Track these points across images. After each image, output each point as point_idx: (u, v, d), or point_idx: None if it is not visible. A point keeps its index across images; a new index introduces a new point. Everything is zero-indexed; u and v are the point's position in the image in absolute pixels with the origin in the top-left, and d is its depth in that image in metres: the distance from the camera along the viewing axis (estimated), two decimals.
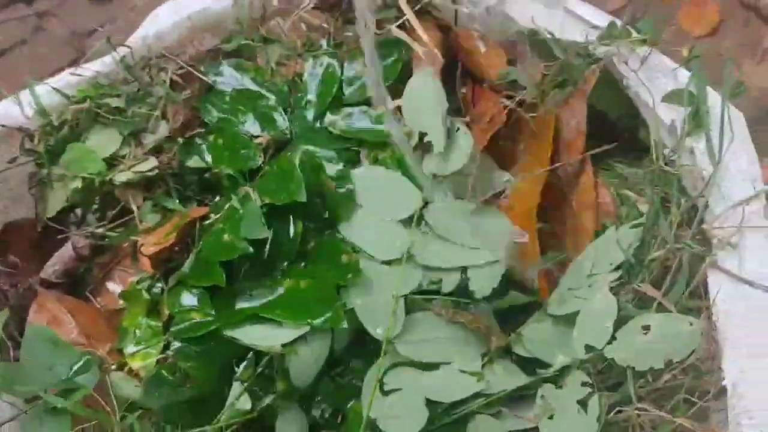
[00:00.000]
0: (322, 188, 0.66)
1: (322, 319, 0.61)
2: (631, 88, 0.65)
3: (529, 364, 0.62)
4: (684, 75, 0.61)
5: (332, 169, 0.70)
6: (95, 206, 0.73)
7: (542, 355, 0.61)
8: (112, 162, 0.71)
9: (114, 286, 0.73)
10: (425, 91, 0.68)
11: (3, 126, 0.68)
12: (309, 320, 0.61)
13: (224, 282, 0.64)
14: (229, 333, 0.63)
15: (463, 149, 0.66)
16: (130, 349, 0.65)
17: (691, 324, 0.52)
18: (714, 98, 0.58)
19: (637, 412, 0.52)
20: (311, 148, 0.71)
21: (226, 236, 0.66)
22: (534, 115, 0.69)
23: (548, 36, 0.68)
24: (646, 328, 0.54)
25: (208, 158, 0.73)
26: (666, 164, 0.59)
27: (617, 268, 0.62)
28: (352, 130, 0.72)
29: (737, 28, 1.16)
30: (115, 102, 0.71)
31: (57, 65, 1.25)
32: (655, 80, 0.63)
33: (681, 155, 0.58)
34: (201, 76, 0.75)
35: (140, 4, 1.32)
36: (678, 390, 0.53)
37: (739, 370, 0.47)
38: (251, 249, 0.63)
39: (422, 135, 0.67)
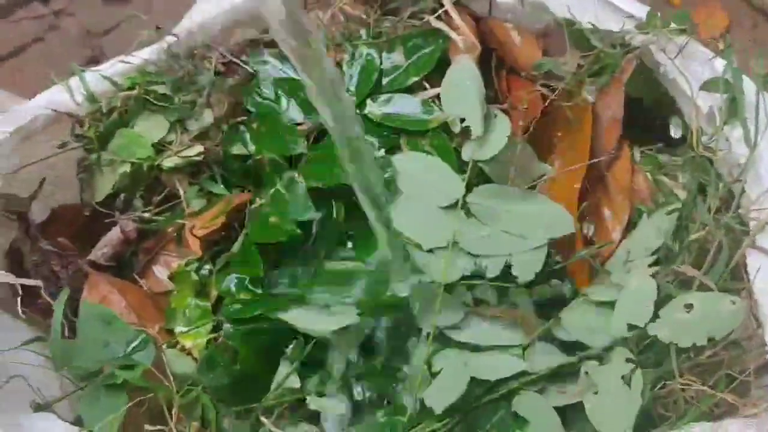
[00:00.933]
0: None
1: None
2: (668, 76, 0.66)
3: (571, 348, 0.64)
4: (720, 64, 0.62)
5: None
6: (141, 191, 0.74)
7: (584, 338, 0.63)
8: (159, 148, 0.73)
9: (159, 270, 0.75)
10: (464, 77, 0.69)
11: (53, 111, 0.70)
12: (346, 317, 0.63)
13: (262, 273, 0.66)
14: (276, 315, 0.64)
15: (501, 134, 0.68)
16: (180, 328, 0.67)
17: (733, 302, 0.54)
18: (749, 87, 0.60)
19: (680, 386, 0.54)
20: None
21: (273, 219, 0.68)
22: (570, 104, 0.70)
23: (586, 26, 0.69)
24: (689, 306, 0.56)
25: (251, 145, 0.75)
26: (704, 151, 0.61)
27: (654, 253, 0.64)
28: (392, 117, 0.74)
29: (746, 30, 1.18)
30: (162, 89, 0.72)
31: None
32: (691, 68, 0.64)
33: (718, 142, 0.59)
34: (243, 65, 0.77)
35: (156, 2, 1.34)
36: (719, 366, 0.55)
37: None
38: (299, 230, 0.65)
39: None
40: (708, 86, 0.62)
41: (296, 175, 0.70)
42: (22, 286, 0.65)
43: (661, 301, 0.58)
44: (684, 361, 0.56)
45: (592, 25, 0.69)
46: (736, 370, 0.54)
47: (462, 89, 0.70)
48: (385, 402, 0.66)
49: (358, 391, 0.66)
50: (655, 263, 0.63)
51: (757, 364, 0.54)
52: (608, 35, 0.68)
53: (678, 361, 0.55)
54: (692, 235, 0.58)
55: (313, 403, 0.64)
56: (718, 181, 0.60)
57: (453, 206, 0.67)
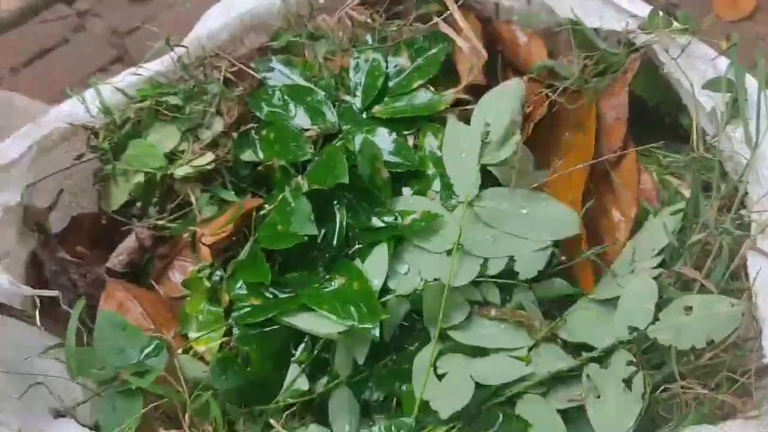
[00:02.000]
0: (375, 177, 0.69)
1: (362, 325, 0.64)
2: (671, 75, 0.66)
3: (575, 348, 0.65)
4: (723, 63, 0.62)
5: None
6: (156, 199, 0.76)
7: (588, 339, 0.63)
8: (171, 157, 0.75)
9: (175, 275, 0.77)
10: (508, 96, 0.70)
11: (69, 124, 0.72)
12: (351, 323, 0.64)
13: (269, 280, 0.67)
14: (285, 319, 0.66)
15: (513, 139, 0.68)
16: (193, 333, 0.69)
17: (732, 304, 0.54)
18: (752, 85, 0.60)
19: (682, 390, 0.54)
20: (366, 135, 0.74)
21: (279, 227, 0.69)
22: (574, 106, 0.71)
23: (590, 27, 0.69)
24: (688, 308, 0.56)
25: (261, 152, 0.77)
26: (707, 150, 0.61)
27: (659, 253, 0.64)
28: (400, 107, 0.75)
29: None
30: (173, 100, 0.74)
31: (98, 64, 1.30)
32: (694, 68, 0.64)
33: (721, 141, 0.59)
34: (252, 72, 0.79)
35: (180, 1, 1.36)
36: (720, 368, 0.55)
37: None
38: (306, 237, 0.66)
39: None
40: (710, 85, 0.62)
41: (302, 181, 0.72)
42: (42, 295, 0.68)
43: (662, 303, 0.58)
44: (685, 364, 0.56)
45: (596, 26, 0.69)
46: (737, 371, 0.54)
47: (502, 102, 0.71)
48: (393, 402, 0.67)
49: (365, 392, 0.68)
50: (660, 264, 0.63)
51: (757, 365, 0.54)
52: (612, 35, 0.68)
53: (679, 364, 0.55)
54: (694, 236, 0.58)
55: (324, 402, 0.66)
56: (721, 181, 0.60)
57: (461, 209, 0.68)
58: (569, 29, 0.70)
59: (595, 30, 0.69)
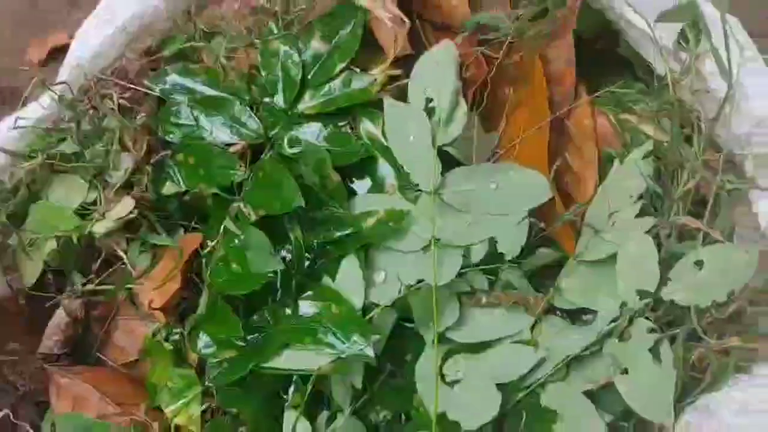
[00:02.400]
0: (326, 183, 0.62)
1: (353, 350, 0.59)
2: (615, 10, 0.62)
3: (575, 313, 0.62)
4: None
5: None
6: (76, 263, 0.66)
7: (585, 303, 0.61)
8: (83, 212, 0.64)
9: (121, 338, 0.68)
10: (441, 60, 0.64)
11: None
12: (340, 350, 0.59)
13: (242, 332, 0.60)
14: (267, 365, 0.59)
15: (459, 111, 0.63)
16: (168, 406, 0.61)
17: (746, 251, 0.52)
18: (711, 13, 0.56)
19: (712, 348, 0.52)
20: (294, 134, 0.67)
21: (234, 266, 0.61)
22: (517, 58, 0.65)
23: None
24: (699, 263, 0.54)
25: (183, 181, 0.67)
26: (673, 90, 0.57)
27: (639, 198, 0.61)
28: (330, 99, 0.67)
29: None
30: (68, 147, 0.63)
31: None
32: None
33: (691, 79, 0.56)
34: (148, 91, 0.68)
35: None
36: (742, 316, 0.53)
37: None
38: (271, 275, 0.59)
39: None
40: (665, 17, 0.57)
41: (242, 206, 0.64)
42: None
43: (663, 260, 0.56)
44: (705, 319, 0.54)
45: None
46: (759, 316, 0.53)
47: (437, 71, 0.64)
48: (403, 419, 0.63)
49: (371, 415, 0.63)
50: (641, 212, 0.61)
51: None
52: None
53: (700, 321, 0.53)
54: (686, 183, 0.55)
55: None
56: (699, 122, 0.56)
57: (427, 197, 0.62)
58: None
59: None
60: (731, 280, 0.52)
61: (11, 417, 0.57)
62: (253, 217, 0.62)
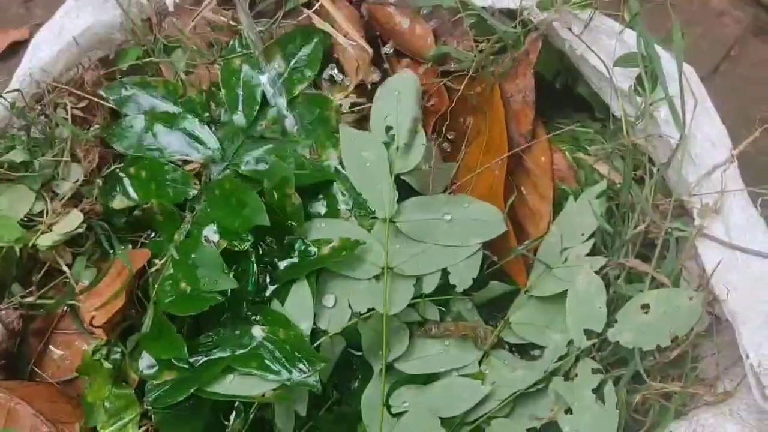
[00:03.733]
0: (286, 204, 0.61)
1: (299, 377, 0.57)
2: (574, 53, 0.63)
3: (524, 348, 0.62)
4: (631, 36, 0.59)
5: None
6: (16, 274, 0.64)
7: (534, 338, 0.61)
8: (28, 223, 0.62)
9: (58, 352, 0.66)
10: (402, 88, 0.64)
11: None
12: (285, 377, 0.58)
13: (186, 354, 0.58)
14: (209, 389, 0.58)
15: (418, 141, 0.63)
16: (104, 427, 0.60)
17: (690, 297, 0.53)
18: (668, 61, 0.57)
19: (654, 391, 0.53)
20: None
21: (183, 284, 0.60)
22: (477, 92, 0.66)
23: (481, 5, 0.64)
24: (645, 306, 0.54)
25: (134, 194, 0.66)
26: (627, 134, 0.58)
27: (589, 237, 0.62)
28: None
29: None
30: (17, 156, 0.61)
31: None
32: (599, 43, 0.61)
33: (646, 123, 0.57)
34: (103, 102, 0.67)
35: None
36: (684, 360, 0.54)
37: (757, 344, 0.48)
38: (221, 298, 0.58)
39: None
40: (622, 62, 0.59)
41: (195, 226, 0.62)
42: None
43: (613, 300, 0.56)
44: (649, 362, 0.54)
45: (488, 4, 0.63)
46: (699, 360, 0.54)
47: (398, 99, 0.65)
48: None
49: None
50: (592, 251, 0.61)
51: (723, 353, 0.53)
52: (507, 15, 0.63)
53: (643, 363, 0.54)
54: (635, 226, 0.56)
55: None
56: (651, 166, 0.57)
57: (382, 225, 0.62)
58: (461, 11, 0.64)
59: (490, 10, 0.63)
60: (676, 324, 0.53)
61: None
62: (206, 233, 0.60)
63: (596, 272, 0.58)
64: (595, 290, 0.57)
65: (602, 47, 0.60)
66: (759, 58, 1.00)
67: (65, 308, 0.66)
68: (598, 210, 0.62)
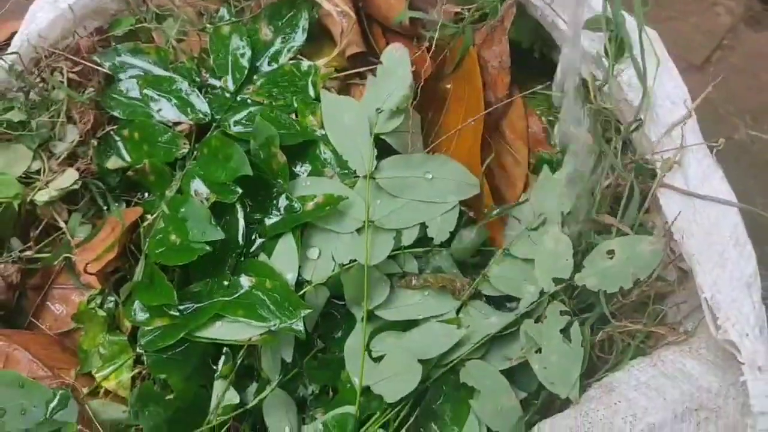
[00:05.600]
0: (272, 162, 0.64)
1: (284, 323, 0.60)
2: (545, 20, 0.66)
3: (501, 303, 0.65)
4: (599, 2, 0.62)
5: None
6: (14, 230, 0.67)
7: (509, 290, 0.64)
8: (26, 180, 0.65)
9: (56, 307, 0.69)
10: (395, 63, 0.67)
11: None
12: (272, 323, 0.60)
13: (176, 300, 0.61)
14: (199, 334, 0.61)
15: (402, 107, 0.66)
16: (99, 372, 0.62)
17: (651, 243, 0.56)
18: (630, 23, 0.60)
19: (617, 330, 0.56)
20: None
21: (173, 237, 0.63)
22: (455, 57, 0.69)
23: None
24: (611, 252, 0.57)
25: (127, 156, 0.69)
26: (595, 97, 0.61)
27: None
28: (279, 87, 0.70)
29: None
30: (15, 116, 0.64)
31: None
32: (568, 9, 0.64)
33: (611, 86, 0.60)
34: (98, 67, 0.70)
35: None
36: (647, 301, 0.57)
37: (712, 282, 0.51)
38: (209, 248, 0.61)
39: None
40: (589, 24, 0.62)
41: (185, 182, 0.65)
42: None
43: (584, 250, 0.59)
44: (614, 304, 0.57)
45: None
46: (663, 303, 0.57)
47: (395, 72, 0.67)
48: (330, 393, 0.65)
49: (299, 389, 0.65)
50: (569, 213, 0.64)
51: (683, 294, 0.56)
52: None
53: (608, 305, 0.57)
54: (604, 181, 0.59)
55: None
56: (618, 125, 0.60)
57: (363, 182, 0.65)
58: None
59: None
60: (637, 268, 0.56)
61: None
62: (193, 187, 0.63)
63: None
64: (564, 248, 0.60)
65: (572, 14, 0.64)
66: (751, 48, 1.03)
67: (62, 264, 0.69)
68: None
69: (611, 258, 0.57)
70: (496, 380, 0.59)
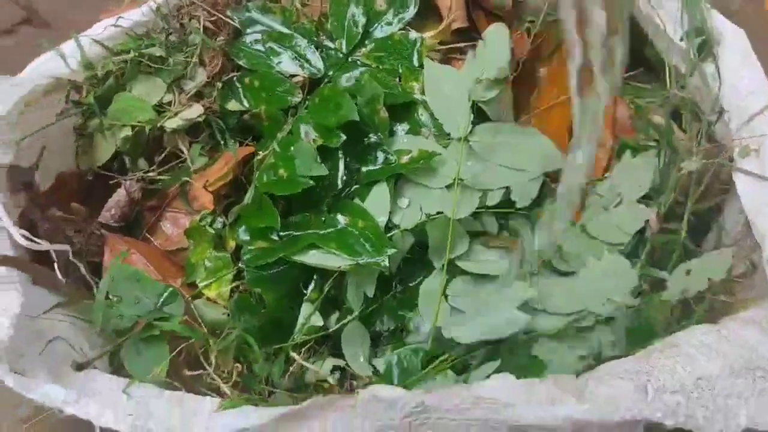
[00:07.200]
0: (374, 117, 0.71)
1: (372, 259, 0.66)
2: (641, 12, 0.71)
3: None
4: None
5: None
6: (143, 152, 0.75)
7: (579, 268, 0.69)
8: (158, 110, 0.74)
9: (168, 227, 0.77)
10: (498, 40, 0.73)
11: (53, 78, 0.70)
12: (361, 257, 0.66)
13: (278, 223, 0.68)
14: (296, 258, 0.68)
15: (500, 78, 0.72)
16: (203, 280, 0.70)
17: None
18: (718, 19, 0.65)
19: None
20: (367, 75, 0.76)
21: (281, 170, 0.70)
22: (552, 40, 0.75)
23: None
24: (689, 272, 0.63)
25: (246, 101, 0.77)
26: (683, 87, 0.66)
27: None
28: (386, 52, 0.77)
29: None
30: (156, 52, 0.73)
31: (4, 26, 1.20)
32: (664, 6, 0.69)
33: (694, 77, 0.65)
34: (230, 21, 0.78)
35: None
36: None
37: None
38: (312, 182, 0.68)
39: None
40: (687, 35, 0.67)
41: (296, 125, 0.73)
42: (32, 253, 0.66)
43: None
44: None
45: None
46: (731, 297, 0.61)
47: (495, 48, 0.73)
48: (402, 333, 0.71)
49: (376, 324, 0.70)
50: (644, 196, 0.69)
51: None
52: None
53: None
54: (682, 166, 0.63)
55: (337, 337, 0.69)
56: (699, 114, 0.65)
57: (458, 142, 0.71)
58: None
59: None
60: (712, 273, 0.62)
61: (70, 256, 0.65)
62: (312, 135, 0.70)
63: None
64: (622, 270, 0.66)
65: (666, 11, 0.69)
66: None
67: (177, 190, 0.77)
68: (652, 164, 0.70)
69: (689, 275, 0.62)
70: (567, 360, 0.64)
